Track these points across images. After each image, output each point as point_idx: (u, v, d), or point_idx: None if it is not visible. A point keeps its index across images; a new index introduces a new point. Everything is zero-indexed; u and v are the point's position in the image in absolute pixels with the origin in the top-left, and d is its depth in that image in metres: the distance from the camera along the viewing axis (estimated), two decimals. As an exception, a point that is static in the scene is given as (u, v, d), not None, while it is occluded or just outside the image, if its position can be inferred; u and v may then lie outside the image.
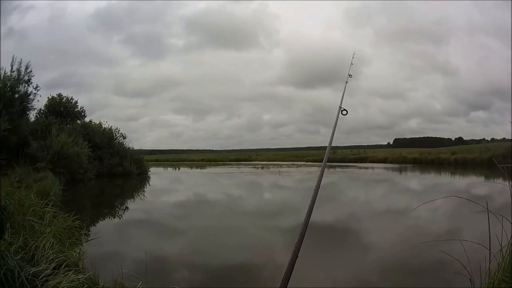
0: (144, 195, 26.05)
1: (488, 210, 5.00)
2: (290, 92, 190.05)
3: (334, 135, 5.13)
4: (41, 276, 5.71)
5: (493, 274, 4.84)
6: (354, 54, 8.01)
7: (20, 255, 6.10)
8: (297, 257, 3.09)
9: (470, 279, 4.98)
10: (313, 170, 49.45)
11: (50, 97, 38.84)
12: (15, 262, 5.69)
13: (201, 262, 10.11)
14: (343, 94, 6.06)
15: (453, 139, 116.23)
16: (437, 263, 8.63)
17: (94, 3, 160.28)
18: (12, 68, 27.06)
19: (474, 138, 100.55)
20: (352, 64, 7.49)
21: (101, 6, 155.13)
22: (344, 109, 5.29)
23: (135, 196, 26.03)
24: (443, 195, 20.95)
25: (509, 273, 4.65)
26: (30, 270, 5.73)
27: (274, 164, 65.74)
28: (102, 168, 37.40)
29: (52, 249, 6.65)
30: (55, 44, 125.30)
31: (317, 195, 3.86)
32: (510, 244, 4.86)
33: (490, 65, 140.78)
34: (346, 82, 6.74)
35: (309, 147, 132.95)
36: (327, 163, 4.62)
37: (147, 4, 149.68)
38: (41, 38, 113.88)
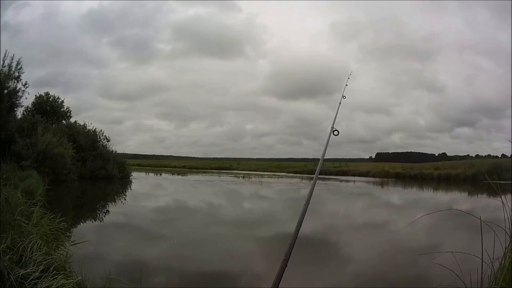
0: (126, 200, 25.90)
1: (481, 221, 4.97)
2: (273, 103, 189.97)
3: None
4: (30, 279, 5.59)
5: (487, 284, 4.83)
6: (350, 74, 7.97)
7: (8, 255, 5.97)
8: (286, 265, 3.08)
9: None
10: (294, 181, 49.40)
11: (37, 95, 38.59)
12: (4, 264, 5.56)
13: (179, 267, 10.23)
14: (336, 115, 6.01)
15: (436, 154, 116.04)
16: (427, 276, 8.64)
17: (88, 3, 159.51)
18: (3, 63, 26.89)
19: (458, 154, 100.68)
20: (347, 85, 7.43)
21: (94, 7, 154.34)
22: (336, 130, 5.23)
23: (117, 200, 25.80)
24: (426, 210, 21.04)
25: (508, 282, 4.62)
26: (19, 272, 5.60)
27: (256, 174, 65.51)
28: (85, 170, 37.19)
29: (39, 251, 6.51)
30: (46, 42, 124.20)
31: (307, 207, 3.75)
32: (507, 255, 4.83)
33: (477, 83, 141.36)
34: (340, 103, 6.67)
35: (291, 158, 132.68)
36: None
37: (139, 8, 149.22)
38: (33, 35, 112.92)
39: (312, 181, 4.32)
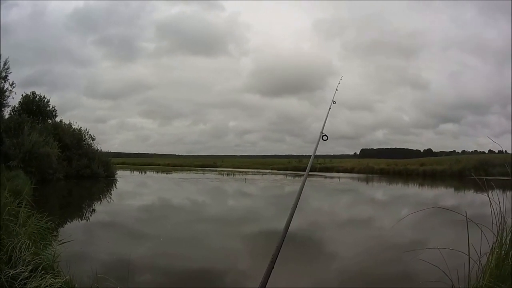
0: (112, 199, 25.77)
1: (467, 218, 4.98)
2: (256, 100, 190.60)
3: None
4: (19, 279, 5.60)
5: (474, 280, 4.83)
6: (340, 79, 8.00)
7: (-3, 256, 5.98)
8: (273, 267, 3.11)
9: (452, 286, 4.95)
10: (278, 178, 49.51)
11: (24, 94, 38.47)
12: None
13: (165, 266, 10.26)
14: (325, 120, 6.03)
15: (422, 150, 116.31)
16: (413, 272, 8.71)
17: (73, 3, 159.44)
18: (-9, 63, 26.76)
19: (444, 150, 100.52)
20: (337, 90, 7.47)
21: (79, 7, 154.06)
22: (325, 135, 5.27)
23: (103, 199, 25.77)
24: (412, 205, 21.19)
25: (496, 277, 4.66)
26: (9, 273, 5.60)
27: (240, 171, 65.55)
28: (71, 169, 37.07)
29: (28, 251, 6.51)
30: (33, 41, 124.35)
31: (295, 209, 3.80)
32: (494, 249, 4.86)
33: (463, 79, 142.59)
34: (329, 108, 6.69)
35: (275, 155, 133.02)
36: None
37: (123, 7, 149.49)
38: (21, 35, 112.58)
39: (300, 185, 4.33)
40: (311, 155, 5.26)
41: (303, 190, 4.18)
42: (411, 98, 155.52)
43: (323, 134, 5.28)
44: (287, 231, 3.46)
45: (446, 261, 5.08)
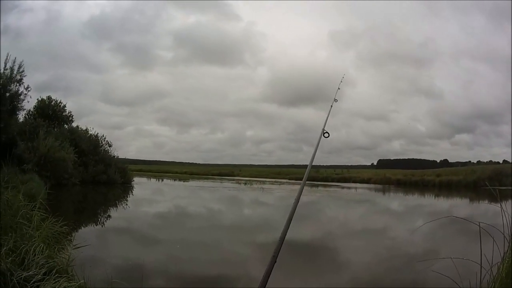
0: (128, 205, 25.95)
1: (480, 228, 4.94)
2: (273, 109, 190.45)
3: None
4: (32, 281, 5.60)
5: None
6: (342, 78, 8.04)
7: (11, 258, 5.98)
8: (275, 261, 3.14)
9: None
10: (296, 188, 48.89)
11: (39, 99, 38.45)
12: (7, 266, 5.57)
13: (179, 272, 10.31)
14: (327, 117, 6.07)
15: (438, 161, 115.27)
16: (425, 281, 8.65)
17: (89, 9, 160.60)
18: (5, 66, 26.73)
19: (460, 161, 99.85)
20: (339, 88, 7.51)
21: (95, 14, 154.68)
22: (327, 132, 5.27)
23: (119, 205, 25.90)
24: (427, 216, 21.05)
25: (506, 286, 4.62)
26: (22, 275, 5.61)
27: (257, 181, 65.25)
28: (87, 175, 37.05)
29: (42, 254, 6.52)
30: (47, 47, 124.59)
31: (296, 206, 3.91)
32: (506, 259, 4.82)
33: (475, 88, 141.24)
34: (331, 106, 6.75)
35: (292, 164, 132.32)
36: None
37: (139, 15, 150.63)
38: (35, 39, 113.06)
39: (302, 182, 4.33)
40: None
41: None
42: (426, 108, 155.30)
43: (324, 131, 5.28)
44: (289, 225, 3.50)
45: (458, 271, 5.05)
